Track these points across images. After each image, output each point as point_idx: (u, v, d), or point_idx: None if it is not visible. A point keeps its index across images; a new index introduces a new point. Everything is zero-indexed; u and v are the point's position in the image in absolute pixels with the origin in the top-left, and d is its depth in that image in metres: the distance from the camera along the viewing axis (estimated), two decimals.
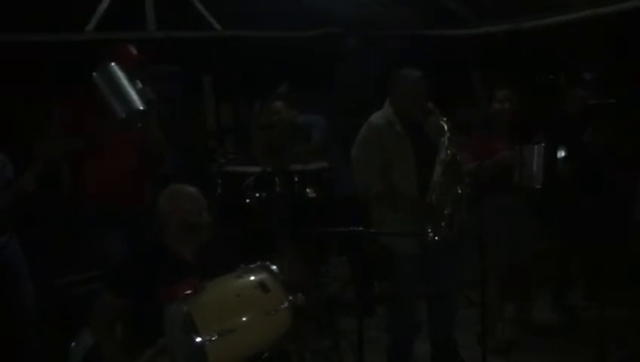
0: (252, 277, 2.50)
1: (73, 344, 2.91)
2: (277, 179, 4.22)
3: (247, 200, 4.24)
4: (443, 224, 3.26)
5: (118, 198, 3.44)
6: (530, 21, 5.54)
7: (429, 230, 3.25)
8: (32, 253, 3.54)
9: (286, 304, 2.46)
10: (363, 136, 3.42)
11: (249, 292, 2.45)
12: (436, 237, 3.25)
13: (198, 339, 2.27)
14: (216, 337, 2.28)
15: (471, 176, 3.79)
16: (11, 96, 4.48)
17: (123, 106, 3.18)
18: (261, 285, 2.46)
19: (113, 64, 3.24)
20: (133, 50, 3.51)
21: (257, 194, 4.24)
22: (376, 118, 3.44)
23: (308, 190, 4.30)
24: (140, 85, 3.30)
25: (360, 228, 2.84)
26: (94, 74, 3.22)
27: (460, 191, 3.32)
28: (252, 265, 2.59)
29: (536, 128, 4.11)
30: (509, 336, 4.12)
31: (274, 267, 2.57)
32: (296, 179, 4.29)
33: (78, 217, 3.56)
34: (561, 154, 4.27)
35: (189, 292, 2.42)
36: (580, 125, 4.39)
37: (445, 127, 3.35)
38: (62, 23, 4.79)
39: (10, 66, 4.45)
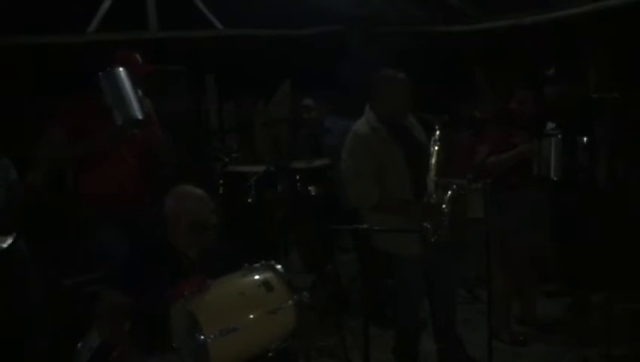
0: (256, 276, 2.52)
1: (79, 344, 2.92)
2: (279, 177, 4.23)
3: (250, 200, 4.25)
4: (443, 222, 3.26)
5: (119, 200, 3.44)
6: (531, 16, 5.53)
7: (430, 230, 3.25)
8: (38, 254, 3.56)
9: (290, 302, 2.47)
10: (351, 147, 3.36)
11: (253, 291, 2.46)
12: (438, 236, 3.25)
13: (201, 338, 2.29)
14: (219, 335, 2.30)
15: (488, 169, 3.82)
16: (13, 100, 4.49)
17: (121, 113, 3.19)
18: (265, 284, 2.48)
19: (121, 68, 3.25)
20: (139, 58, 3.53)
21: (260, 193, 4.25)
22: (359, 126, 3.38)
23: (310, 188, 4.31)
24: (140, 93, 3.32)
25: (365, 226, 2.84)
26: (100, 73, 3.23)
27: (456, 189, 3.30)
28: (256, 264, 2.61)
29: (545, 121, 4.12)
30: (520, 331, 4.15)
31: (279, 266, 2.58)
32: (298, 177, 4.30)
33: (80, 218, 3.57)
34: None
35: (193, 291, 2.43)
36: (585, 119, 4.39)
37: (436, 126, 3.32)
38: (63, 24, 4.79)
39: (12, 69, 4.46)
